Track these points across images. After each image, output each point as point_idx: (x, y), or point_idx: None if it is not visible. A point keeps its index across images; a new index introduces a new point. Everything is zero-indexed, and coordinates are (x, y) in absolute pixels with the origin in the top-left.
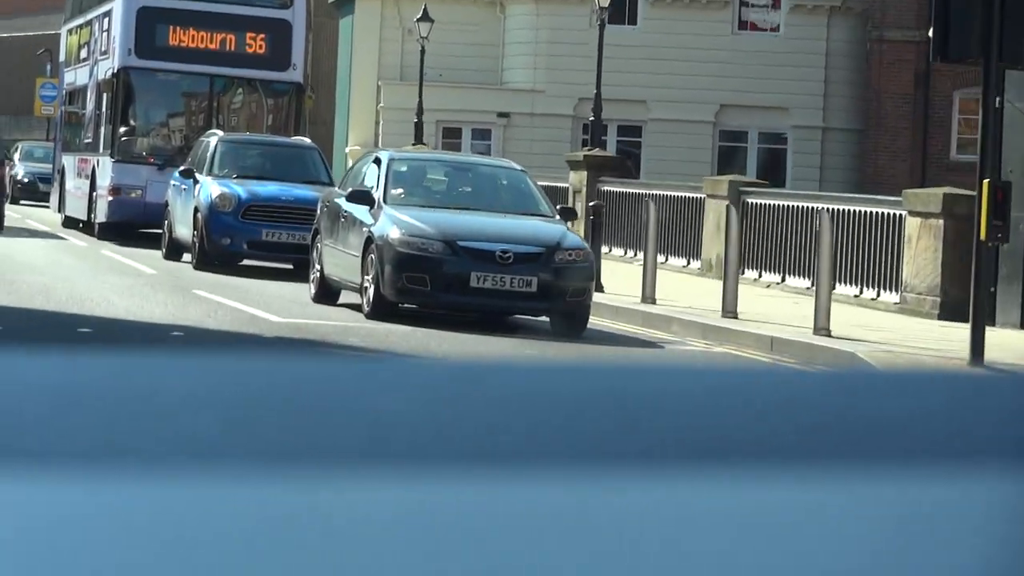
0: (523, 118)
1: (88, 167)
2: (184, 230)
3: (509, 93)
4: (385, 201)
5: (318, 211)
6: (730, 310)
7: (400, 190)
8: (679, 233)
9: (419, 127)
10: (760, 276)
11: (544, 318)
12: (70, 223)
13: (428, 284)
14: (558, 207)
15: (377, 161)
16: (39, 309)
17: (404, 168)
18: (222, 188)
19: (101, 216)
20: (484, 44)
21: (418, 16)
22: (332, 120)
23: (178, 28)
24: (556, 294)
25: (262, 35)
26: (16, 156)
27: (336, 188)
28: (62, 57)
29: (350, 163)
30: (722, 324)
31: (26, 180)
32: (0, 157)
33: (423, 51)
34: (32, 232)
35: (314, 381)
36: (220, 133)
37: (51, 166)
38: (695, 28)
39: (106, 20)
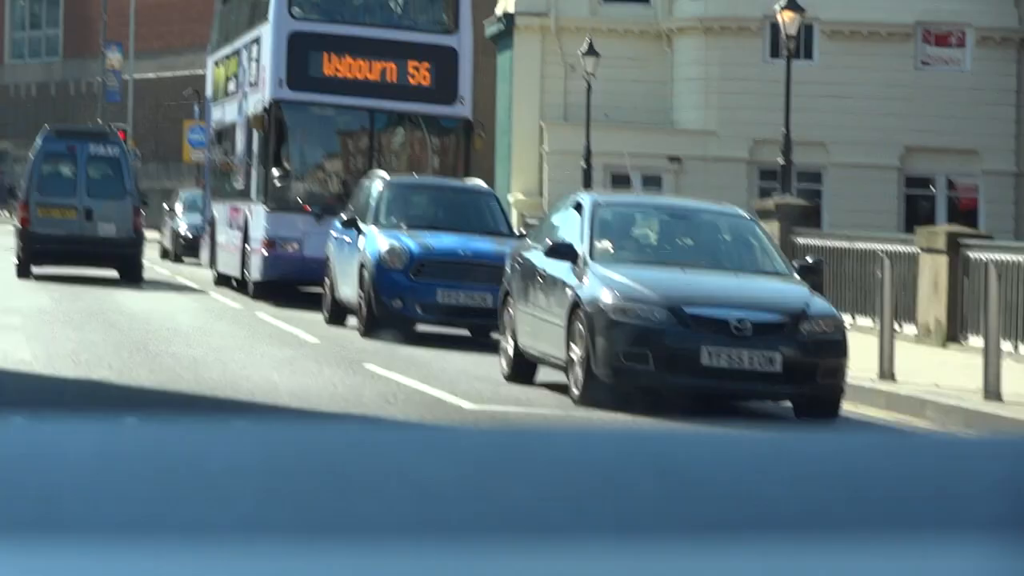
0: (695, 162)
1: (240, 217)
2: (348, 290)
3: (680, 135)
4: (592, 257)
5: (507, 269)
6: (992, 391)
7: (608, 243)
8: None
9: (587, 173)
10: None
11: (787, 403)
12: (223, 280)
13: (650, 361)
14: (797, 263)
15: (578, 207)
16: (186, 392)
17: (611, 216)
18: (391, 241)
19: (255, 273)
20: (652, 81)
21: (583, 50)
22: (491, 165)
23: (334, 55)
24: (805, 374)
25: (426, 64)
26: (178, 207)
27: (527, 240)
28: (208, 92)
29: (514, 212)
30: (988, 409)
31: (190, 235)
32: (135, 203)
33: (589, 88)
34: (181, 289)
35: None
36: (385, 175)
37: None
38: (876, 63)
39: (255, 48)
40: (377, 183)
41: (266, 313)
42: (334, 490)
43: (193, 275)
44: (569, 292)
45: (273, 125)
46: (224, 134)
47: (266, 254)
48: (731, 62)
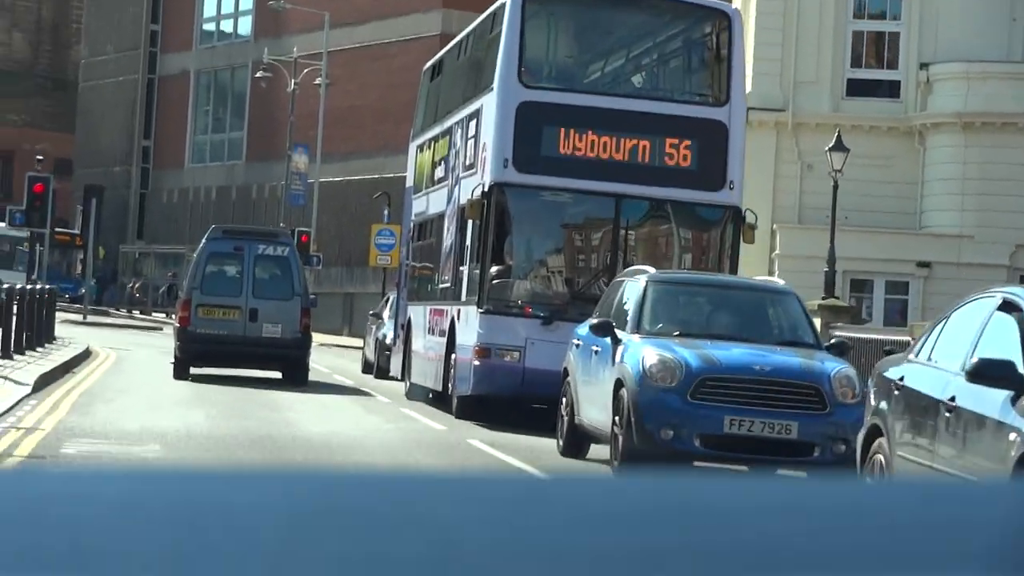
0: (947, 268)
1: (444, 320)
2: (595, 412)
3: (931, 238)
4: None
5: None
6: None
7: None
8: None
9: (831, 278)
10: None
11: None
12: (416, 392)
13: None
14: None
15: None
16: None
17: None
18: (660, 352)
19: (462, 387)
20: (899, 181)
21: (830, 145)
22: None
23: (572, 131)
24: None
25: (687, 142)
26: (386, 313)
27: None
28: (408, 181)
29: None
30: None
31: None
32: (304, 304)
33: (836, 187)
34: (367, 402)
35: None
36: (650, 270)
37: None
38: None
39: (472, 124)
40: (639, 280)
41: (479, 439)
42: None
43: (379, 386)
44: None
45: (493, 213)
46: (427, 227)
47: (477, 363)
48: (992, 160)
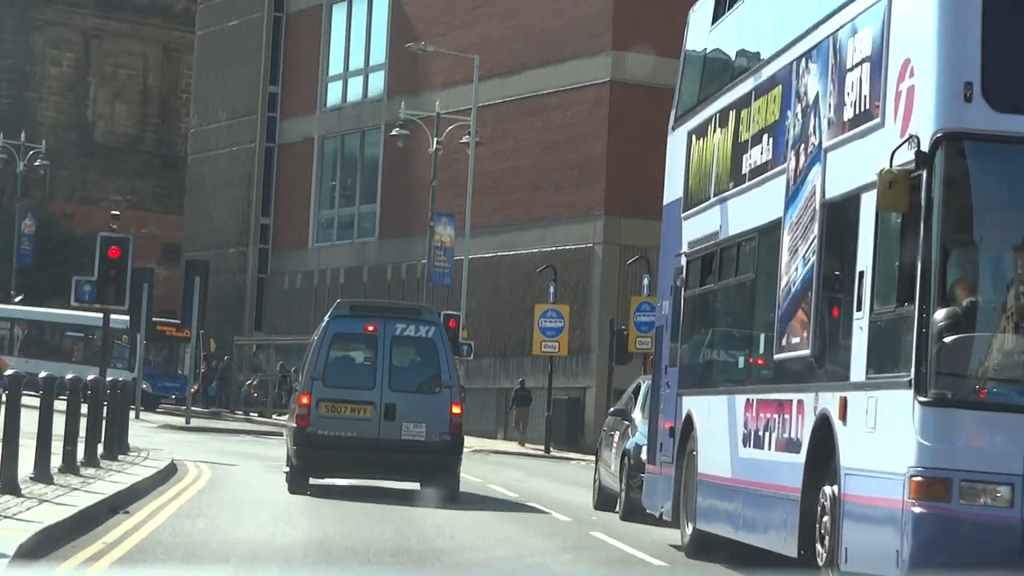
0: None
1: (795, 421)
2: None
3: None
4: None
5: None
6: None
7: None
8: None
9: None
10: None
11: None
12: (708, 548)
13: None
14: None
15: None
16: None
17: None
18: None
19: (871, 557)
20: None
21: None
22: None
23: None
24: None
25: None
26: (636, 414)
27: None
28: (672, 194)
29: None
30: None
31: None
32: (455, 398)
33: None
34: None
35: None
36: None
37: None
38: None
39: (855, 45)
40: None
41: None
42: None
43: (628, 532)
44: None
45: (939, 195)
46: (726, 258)
47: (920, 511)
48: None
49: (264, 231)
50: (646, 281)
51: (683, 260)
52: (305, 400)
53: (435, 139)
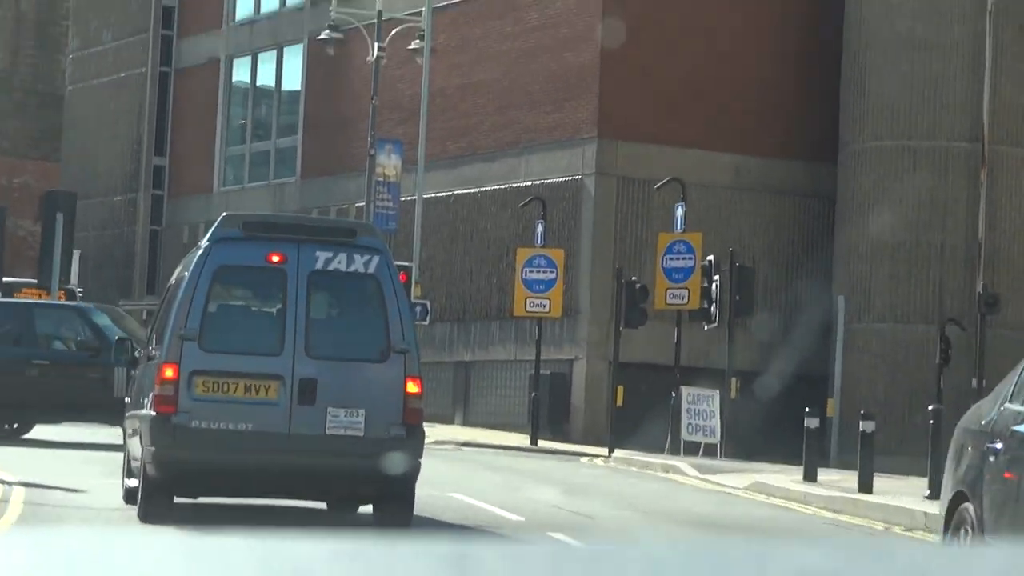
0: None
1: None
2: None
3: None
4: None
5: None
6: None
7: None
8: None
9: None
10: None
11: None
12: None
13: None
14: None
15: None
16: None
17: None
18: None
19: None
20: None
21: None
22: None
23: None
24: None
25: None
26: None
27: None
28: None
29: None
30: None
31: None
32: (410, 372)
33: None
34: None
35: None
36: None
37: None
38: None
39: None
40: None
41: None
42: None
43: None
44: None
45: None
46: None
47: None
48: None
49: (158, 174)
50: (679, 212)
51: None
52: (170, 373)
53: (376, 44)
